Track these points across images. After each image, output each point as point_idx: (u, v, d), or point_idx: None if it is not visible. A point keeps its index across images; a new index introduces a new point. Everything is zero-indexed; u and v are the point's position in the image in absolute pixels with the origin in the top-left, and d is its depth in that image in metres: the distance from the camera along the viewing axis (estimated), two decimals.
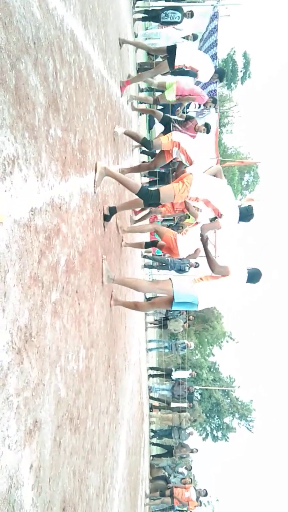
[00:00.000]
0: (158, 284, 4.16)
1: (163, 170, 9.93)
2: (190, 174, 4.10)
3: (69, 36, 2.42)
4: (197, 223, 5.81)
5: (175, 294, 3.84)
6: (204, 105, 8.45)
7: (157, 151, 5.88)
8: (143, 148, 7.91)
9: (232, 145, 36.12)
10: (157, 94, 7.39)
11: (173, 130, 6.19)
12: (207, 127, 7.75)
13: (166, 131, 6.46)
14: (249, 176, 35.88)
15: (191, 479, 12.35)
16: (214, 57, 10.29)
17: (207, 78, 6.09)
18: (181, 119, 6.88)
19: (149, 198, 3.98)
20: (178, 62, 5.54)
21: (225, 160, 14.55)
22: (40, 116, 1.79)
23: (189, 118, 7.74)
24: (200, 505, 11.03)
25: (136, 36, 9.06)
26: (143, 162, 8.48)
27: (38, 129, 1.76)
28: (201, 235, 3.94)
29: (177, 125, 6.71)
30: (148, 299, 9.17)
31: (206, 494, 11.04)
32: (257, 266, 4.07)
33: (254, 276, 4.01)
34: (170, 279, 4.04)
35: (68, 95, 2.34)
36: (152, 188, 4.38)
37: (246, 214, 4.27)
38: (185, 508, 10.64)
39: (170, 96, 6.41)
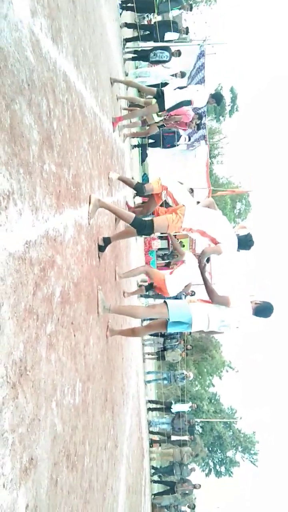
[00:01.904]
0: (154, 308, 4.18)
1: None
2: (183, 206, 4.18)
3: (61, 77, 2.54)
4: (183, 261, 6.04)
5: (170, 313, 3.85)
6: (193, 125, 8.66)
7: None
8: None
9: (223, 175, 37.00)
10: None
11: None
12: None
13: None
14: (241, 204, 36.51)
15: None
16: (201, 67, 10.71)
17: (203, 102, 6.35)
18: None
19: (142, 229, 4.05)
20: (168, 105, 5.90)
21: (217, 190, 14.84)
22: (35, 153, 1.85)
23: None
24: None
25: (126, 75, 9.45)
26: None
27: (33, 165, 1.81)
28: (200, 261, 3.96)
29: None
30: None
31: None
32: (267, 299, 3.96)
33: (264, 310, 3.91)
34: (164, 301, 4.04)
35: (62, 132, 2.42)
36: (146, 218, 4.46)
37: (245, 241, 4.31)
38: None
39: (157, 117, 6.75)
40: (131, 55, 9.78)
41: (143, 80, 9.87)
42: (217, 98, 6.39)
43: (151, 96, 6.43)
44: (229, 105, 38.24)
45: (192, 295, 11.35)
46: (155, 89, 6.20)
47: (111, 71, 6.03)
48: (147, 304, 13.36)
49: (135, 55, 9.77)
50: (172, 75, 9.92)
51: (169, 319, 3.87)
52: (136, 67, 10.94)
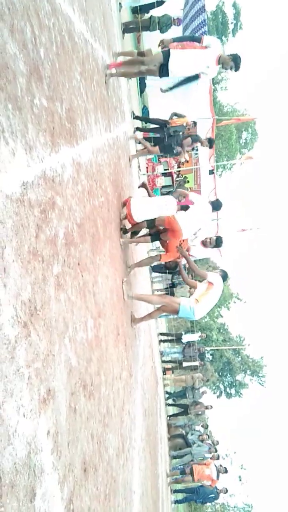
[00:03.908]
0: (166, 298, 5.38)
1: (158, 135, 9.71)
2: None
3: None
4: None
5: (180, 309, 4.97)
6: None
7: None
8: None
9: (228, 102, 35.04)
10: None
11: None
12: (210, 143, 7.91)
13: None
14: (247, 133, 35.01)
15: (208, 435, 12.84)
16: (202, 10, 9.80)
17: (214, 71, 4.98)
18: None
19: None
20: (172, 74, 4.83)
21: (221, 119, 14.12)
22: (23, 86, 1.73)
23: (195, 140, 7.82)
24: (226, 492, 10.90)
25: None
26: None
27: (22, 100, 1.71)
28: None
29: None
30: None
31: (226, 471, 10.83)
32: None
33: (223, 278, 5.32)
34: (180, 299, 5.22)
35: (50, 61, 2.25)
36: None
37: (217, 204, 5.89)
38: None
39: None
40: None
41: None
42: (235, 60, 4.80)
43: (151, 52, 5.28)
44: (231, 23, 35.15)
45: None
46: (157, 66, 4.85)
47: None
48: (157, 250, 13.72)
49: None
50: None
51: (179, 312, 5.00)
52: None
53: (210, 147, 8.87)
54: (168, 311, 5.54)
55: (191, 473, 10.48)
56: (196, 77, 5.38)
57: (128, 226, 5.40)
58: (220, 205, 5.99)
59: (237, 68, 4.79)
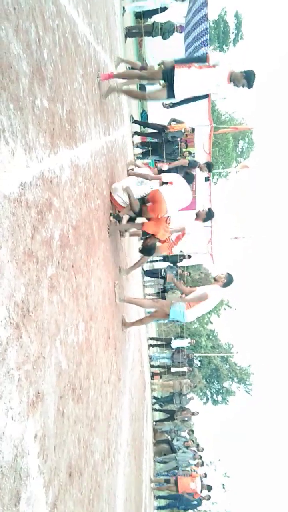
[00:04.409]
0: (158, 302, 5.70)
1: (156, 140, 9.75)
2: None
3: (51, 0, 2.31)
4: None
5: (171, 311, 5.16)
6: None
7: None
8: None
9: (226, 111, 35.31)
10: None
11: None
12: (209, 167, 7.86)
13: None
14: (243, 142, 35.26)
15: (193, 441, 12.84)
16: (204, 18, 9.88)
17: (224, 76, 4.31)
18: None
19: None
20: (178, 95, 4.34)
21: (219, 127, 14.24)
22: (25, 86, 1.73)
23: (193, 165, 7.73)
24: (208, 499, 10.71)
25: None
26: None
27: (23, 100, 1.70)
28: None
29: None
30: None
31: (210, 489, 10.68)
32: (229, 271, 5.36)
33: (228, 283, 5.26)
34: (172, 302, 5.35)
35: (53, 63, 2.25)
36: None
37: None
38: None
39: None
40: None
41: (141, 4, 9.10)
42: (248, 77, 4.28)
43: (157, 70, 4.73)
44: (233, 32, 35.48)
45: (189, 258, 11.75)
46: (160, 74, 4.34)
47: None
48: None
49: None
50: None
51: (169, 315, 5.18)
52: None
53: (210, 171, 8.66)
54: (159, 316, 5.67)
55: (176, 483, 10.42)
56: (205, 96, 4.96)
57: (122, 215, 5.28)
58: (212, 215, 5.91)
59: (250, 86, 4.32)
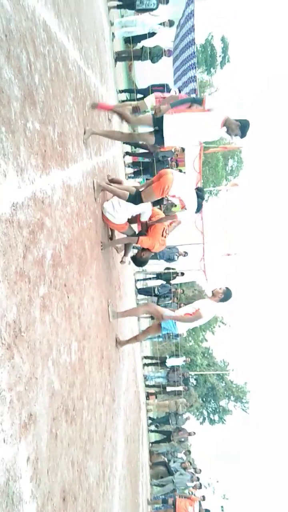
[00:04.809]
0: (151, 307, 5.54)
1: (147, 160, 9.90)
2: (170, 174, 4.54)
3: (41, 27, 2.38)
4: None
5: (162, 324, 5.20)
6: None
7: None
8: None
9: None
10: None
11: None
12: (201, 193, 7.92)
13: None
14: (233, 161, 35.91)
15: (190, 463, 12.57)
16: (191, 43, 10.20)
17: (218, 121, 4.06)
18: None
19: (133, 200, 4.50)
20: (168, 142, 4.17)
21: (209, 147, 14.51)
22: (16, 110, 1.77)
23: None
24: (203, 500, 10.56)
25: (112, 24, 8.93)
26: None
27: (15, 123, 1.74)
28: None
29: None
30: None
31: None
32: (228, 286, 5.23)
33: (226, 297, 5.15)
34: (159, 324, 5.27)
35: (44, 87, 2.31)
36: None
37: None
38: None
39: (149, 101, 6.37)
40: (116, 3, 9.19)
41: (129, 30, 9.37)
42: (243, 127, 4.05)
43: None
44: (220, 55, 36.59)
45: (185, 255, 11.64)
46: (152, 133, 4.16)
47: (95, 20, 5.68)
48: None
49: (120, 3, 9.18)
50: (160, 24, 9.42)
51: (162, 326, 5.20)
52: (122, 16, 10.32)
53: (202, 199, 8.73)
54: (152, 332, 5.67)
55: (174, 505, 10.11)
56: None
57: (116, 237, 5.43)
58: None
59: (243, 135, 4.07)
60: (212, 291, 5.22)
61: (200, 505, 10.25)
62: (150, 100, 6.58)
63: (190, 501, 10.15)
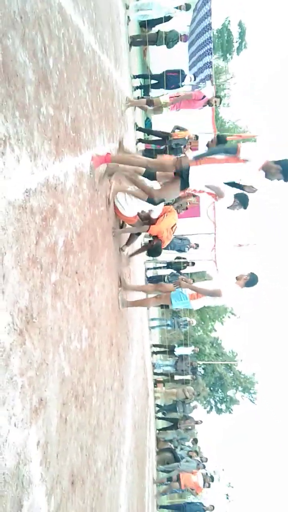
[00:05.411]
0: (162, 286, 5.52)
1: (160, 147, 9.80)
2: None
3: (57, 9, 2.34)
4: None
5: (172, 295, 5.03)
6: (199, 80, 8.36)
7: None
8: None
9: (230, 118, 35.46)
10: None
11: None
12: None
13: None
14: None
15: (196, 451, 12.70)
16: (208, 27, 9.98)
17: (255, 171, 3.66)
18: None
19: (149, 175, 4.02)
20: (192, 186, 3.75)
21: (223, 135, 14.29)
22: (31, 94, 1.75)
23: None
24: (209, 487, 10.92)
25: (127, 8, 8.76)
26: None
27: (29, 108, 1.72)
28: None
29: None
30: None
31: (212, 480, 10.99)
32: (254, 268, 4.95)
33: (252, 281, 4.80)
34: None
35: (59, 71, 2.28)
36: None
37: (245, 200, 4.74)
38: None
39: (164, 98, 6.33)
40: None
41: (145, 13, 9.18)
42: (285, 170, 3.54)
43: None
44: (236, 41, 35.78)
45: (196, 248, 11.58)
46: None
47: (111, 3, 5.57)
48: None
49: None
50: (177, 8, 9.21)
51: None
52: None
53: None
54: (163, 301, 5.44)
55: (178, 480, 10.57)
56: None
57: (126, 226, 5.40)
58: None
59: (286, 179, 3.56)
60: (236, 277, 4.90)
61: (202, 474, 10.61)
62: (164, 99, 6.52)
63: (193, 473, 10.67)
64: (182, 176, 3.62)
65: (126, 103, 6.19)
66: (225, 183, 3.91)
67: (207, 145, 4.89)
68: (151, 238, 5.64)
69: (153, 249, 5.59)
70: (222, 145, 3.50)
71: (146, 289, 6.08)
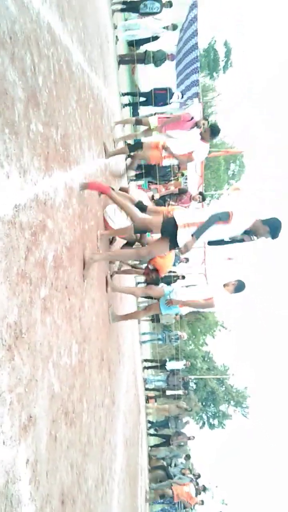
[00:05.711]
0: (151, 289, 5.39)
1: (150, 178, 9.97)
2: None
3: (46, 29, 2.39)
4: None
5: (162, 309, 5.22)
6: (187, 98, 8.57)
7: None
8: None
9: None
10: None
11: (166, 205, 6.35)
12: (202, 196, 8.01)
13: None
14: (234, 165, 35.97)
15: (190, 469, 12.52)
16: (195, 46, 10.23)
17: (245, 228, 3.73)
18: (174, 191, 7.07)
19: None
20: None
21: (211, 151, 14.54)
22: (20, 111, 1.78)
23: (182, 192, 7.93)
24: (202, 504, 10.91)
25: (115, 27, 8.97)
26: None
27: (19, 125, 1.74)
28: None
29: (171, 201, 7.04)
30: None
31: (204, 490, 11.16)
32: (240, 276, 4.99)
33: (239, 287, 4.88)
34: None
35: (48, 89, 2.32)
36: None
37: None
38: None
39: (153, 121, 6.49)
40: (119, 6, 9.24)
41: (133, 33, 9.40)
42: (272, 231, 3.61)
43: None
44: (222, 60, 36.72)
45: (186, 262, 11.65)
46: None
47: (99, 23, 5.71)
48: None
49: (124, 6, 9.22)
50: (164, 28, 9.46)
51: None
52: (125, 19, 10.35)
53: (203, 200, 8.73)
54: (153, 311, 5.55)
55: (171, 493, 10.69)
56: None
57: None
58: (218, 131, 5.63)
59: (274, 238, 3.65)
60: (224, 284, 4.97)
61: (194, 485, 10.78)
62: (153, 121, 6.65)
63: (185, 485, 10.79)
64: (169, 235, 3.67)
65: (113, 124, 6.31)
66: (218, 241, 4.03)
67: (200, 133, 5.38)
68: (151, 267, 5.35)
69: (153, 282, 5.42)
70: (215, 215, 3.52)
71: (135, 291, 5.95)
